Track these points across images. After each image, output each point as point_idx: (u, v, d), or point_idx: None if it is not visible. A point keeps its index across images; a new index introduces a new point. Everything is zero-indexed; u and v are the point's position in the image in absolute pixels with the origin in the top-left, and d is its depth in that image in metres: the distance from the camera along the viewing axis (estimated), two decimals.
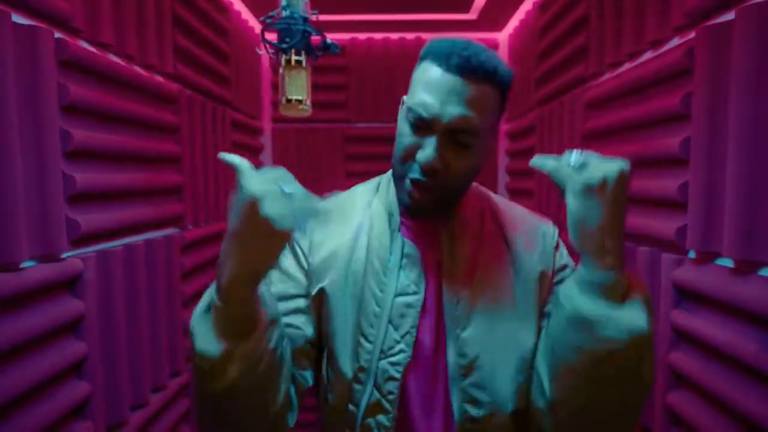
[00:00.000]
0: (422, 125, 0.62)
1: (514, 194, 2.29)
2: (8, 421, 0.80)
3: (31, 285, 0.85)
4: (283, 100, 0.93)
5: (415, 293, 0.69)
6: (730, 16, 0.83)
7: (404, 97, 0.70)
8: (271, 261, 0.52)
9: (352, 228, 0.73)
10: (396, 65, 2.33)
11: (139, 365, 1.20)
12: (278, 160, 2.42)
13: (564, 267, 0.74)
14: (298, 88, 0.91)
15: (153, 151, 1.30)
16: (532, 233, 0.75)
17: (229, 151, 1.96)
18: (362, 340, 0.68)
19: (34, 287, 0.86)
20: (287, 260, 0.72)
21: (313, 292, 0.70)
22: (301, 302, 0.70)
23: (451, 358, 0.67)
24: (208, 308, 0.56)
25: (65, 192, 0.94)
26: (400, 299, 0.68)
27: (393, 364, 0.67)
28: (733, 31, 0.81)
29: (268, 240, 0.49)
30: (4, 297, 0.79)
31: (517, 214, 0.78)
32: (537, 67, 1.88)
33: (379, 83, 2.35)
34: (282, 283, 0.70)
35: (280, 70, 0.93)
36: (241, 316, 0.54)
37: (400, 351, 0.67)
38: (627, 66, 1.21)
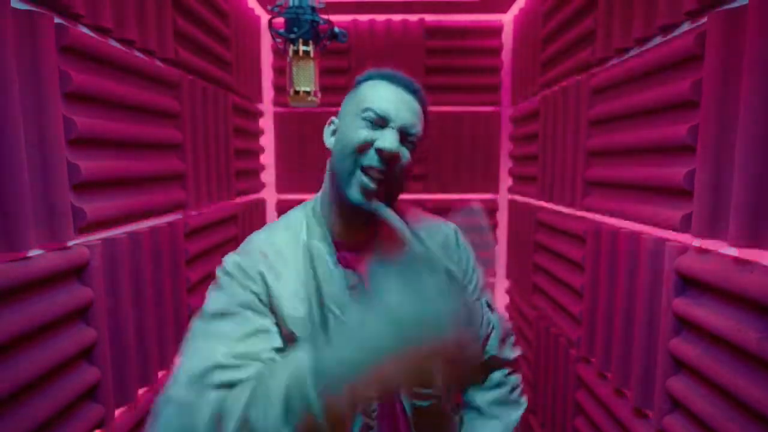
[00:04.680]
0: (381, 122, 0.72)
1: (518, 179, 2.28)
2: (22, 406, 0.82)
3: (39, 273, 0.85)
4: (291, 92, 0.92)
5: None
6: (743, 1, 0.81)
7: (333, 118, 0.80)
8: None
9: (300, 269, 0.76)
10: (399, 47, 2.29)
11: (146, 349, 1.21)
12: (280, 144, 2.41)
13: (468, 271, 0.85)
14: (306, 79, 0.90)
15: (155, 137, 1.29)
16: (437, 235, 0.84)
17: (231, 135, 1.95)
18: None
19: (43, 275, 0.86)
20: (255, 317, 0.70)
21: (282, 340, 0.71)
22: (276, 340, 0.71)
23: None
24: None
25: (70, 180, 0.94)
26: None
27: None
28: (746, 16, 0.79)
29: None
30: (13, 285, 0.80)
31: (424, 219, 0.87)
32: (542, 51, 1.85)
33: (382, 66, 2.31)
34: (256, 337, 0.69)
35: (288, 60, 0.91)
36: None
37: None
38: (635, 51, 1.19)
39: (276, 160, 2.43)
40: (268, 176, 2.44)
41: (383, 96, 0.73)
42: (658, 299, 1.03)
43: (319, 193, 0.83)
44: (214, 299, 0.71)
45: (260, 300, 0.72)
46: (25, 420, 0.81)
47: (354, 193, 0.71)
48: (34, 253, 0.86)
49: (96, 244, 1.01)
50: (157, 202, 1.29)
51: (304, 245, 0.78)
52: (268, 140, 2.42)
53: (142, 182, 1.23)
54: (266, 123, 2.40)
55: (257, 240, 0.80)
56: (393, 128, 0.72)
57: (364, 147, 0.71)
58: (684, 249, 0.97)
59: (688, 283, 0.96)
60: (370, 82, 0.76)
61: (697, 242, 0.95)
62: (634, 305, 1.13)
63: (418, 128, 0.74)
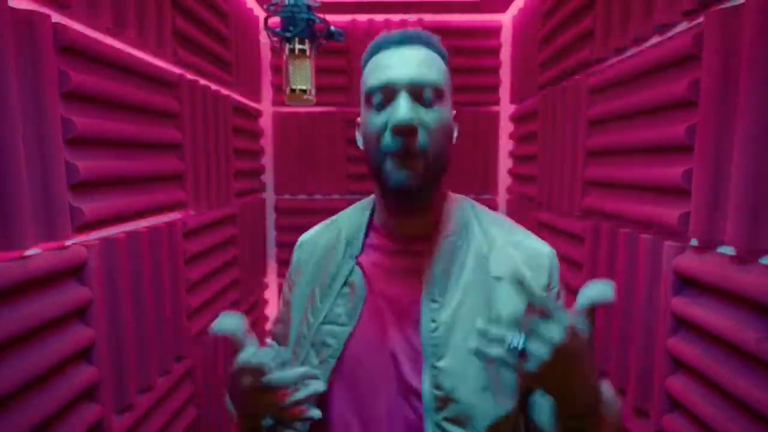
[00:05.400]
0: (386, 94, 0.63)
1: (517, 180, 2.28)
2: (20, 406, 0.82)
3: (36, 273, 0.85)
4: (288, 90, 0.92)
5: (343, 324, 0.68)
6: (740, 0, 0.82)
7: (359, 118, 0.72)
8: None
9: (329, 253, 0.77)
10: None
11: (145, 349, 1.21)
12: (278, 144, 2.41)
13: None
14: (302, 77, 0.90)
15: (154, 137, 1.29)
16: (529, 260, 0.70)
17: (230, 136, 1.95)
18: (294, 359, 0.72)
19: (40, 275, 0.86)
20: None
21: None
22: None
23: (426, 389, 0.63)
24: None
25: (68, 180, 0.94)
26: (326, 327, 0.69)
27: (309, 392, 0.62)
28: (743, 15, 0.79)
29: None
30: (11, 285, 0.80)
31: (512, 234, 0.73)
32: (541, 51, 1.86)
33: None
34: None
35: (284, 58, 0.92)
36: None
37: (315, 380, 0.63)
38: (633, 50, 1.19)
39: (275, 161, 2.43)
40: (267, 176, 2.44)
41: (378, 66, 0.65)
42: (657, 298, 1.03)
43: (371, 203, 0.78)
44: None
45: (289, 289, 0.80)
46: (23, 420, 0.81)
47: (392, 176, 0.63)
48: (31, 252, 0.86)
49: (94, 244, 1.01)
50: (156, 202, 1.29)
51: (342, 238, 0.75)
52: (267, 140, 2.42)
53: (140, 182, 1.23)
54: (266, 123, 2.41)
55: (305, 234, 0.84)
56: (400, 92, 0.62)
57: (380, 134, 0.63)
58: (682, 248, 0.97)
59: (686, 283, 0.96)
60: (370, 62, 0.69)
61: (694, 242, 0.95)
62: (632, 305, 1.13)
63: (432, 76, 0.63)
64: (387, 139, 0.62)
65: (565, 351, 0.50)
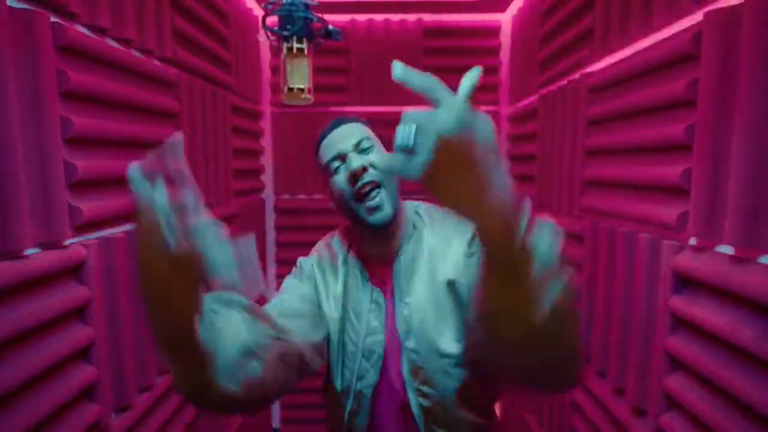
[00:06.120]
0: (339, 160, 0.87)
1: (516, 179, 2.28)
2: (19, 405, 0.82)
3: (35, 272, 0.85)
4: (285, 89, 0.92)
5: (380, 332, 0.90)
6: None
7: (329, 204, 0.95)
8: None
9: (339, 279, 0.95)
10: (397, 47, 2.30)
11: (144, 349, 1.21)
12: (278, 144, 2.41)
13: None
14: (300, 76, 0.91)
15: (153, 137, 1.29)
16: (451, 231, 0.92)
17: (230, 136, 1.95)
18: (345, 369, 0.91)
19: (39, 274, 0.86)
20: (305, 286, 0.95)
21: (323, 330, 0.91)
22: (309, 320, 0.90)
23: (405, 366, 0.88)
24: None
25: (67, 179, 0.94)
26: (370, 339, 0.90)
27: (365, 385, 0.91)
28: (742, 15, 0.79)
29: None
30: (9, 284, 0.80)
31: (438, 219, 0.95)
32: (540, 50, 1.86)
33: (381, 66, 2.32)
34: (300, 302, 0.91)
35: (282, 58, 0.92)
36: None
37: (369, 375, 0.90)
38: (632, 50, 1.19)
39: (274, 161, 2.43)
40: (267, 176, 2.44)
41: (326, 146, 0.90)
42: (655, 298, 1.03)
43: (341, 230, 1.03)
44: (284, 284, 0.97)
45: (313, 288, 0.94)
46: (22, 419, 0.81)
47: (369, 219, 0.85)
48: (30, 252, 0.86)
49: (93, 243, 1.01)
50: None
51: (345, 257, 0.96)
52: (266, 140, 2.42)
53: None
54: (265, 123, 2.41)
55: (318, 245, 1.04)
56: (347, 154, 0.86)
57: (345, 185, 0.86)
58: (680, 248, 0.97)
59: (685, 282, 0.96)
60: (320, 149, 0.92)
61: (693, 241, 0.95)
62: (631, 304, 1.13)
63: (362, 135, 0.88)
64: (349, 189, 0.85)
65: (457, 145, 0.44)
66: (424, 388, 0.87)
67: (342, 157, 0.87)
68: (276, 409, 2.54)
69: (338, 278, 0.94)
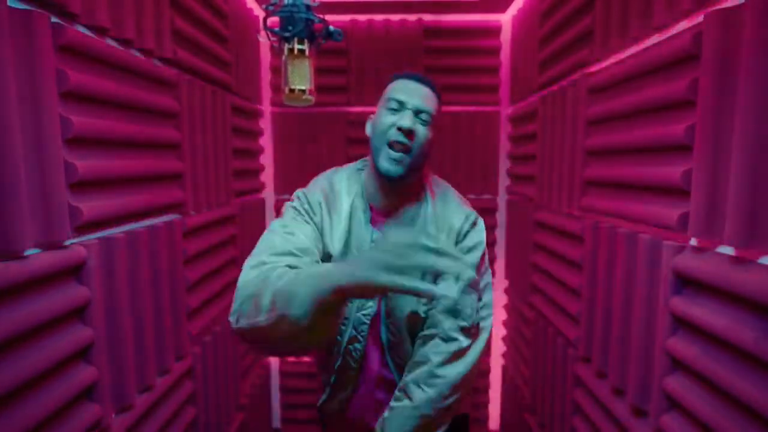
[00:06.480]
0: (398, 107, 0.97)
1: (516, 179, 2.28)
2: (19, 405, 0.81)
3: (35, 272, 0.85)
4: (287, 91, 0.92)
5: None
6: None
7: (371, 114, 1.04)
8: None
9: (344, 217, 1.02)
10: (397, 47, 2.29)
11: (144, 349, 1.21)
12: (278, 144, 2.41)
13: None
14: (301, 77, 0.91)
15: (153, 137, 1.29)
16: (451, 217, 1.05)
17: (230, 136, 1.96)
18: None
19: (39, 275, 0.86)
20: (307, 227, 1.00)
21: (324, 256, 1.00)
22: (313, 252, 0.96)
23: (383, 308, 1.03)
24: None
25: (67, 179, 0.94)
26: None
27: (364, 315, 1.03)
28: (743, 15, 0.79)
29: None
30: (9, 285, 0.80)
31: (449, 201, 1.08)
32: (540, 51, 1.86)
33: (381, 66, 2.31)
34: (305, 237, 0.96)
35: (283, 59, 0.91)
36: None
37: (369, 307, 1.03)
38: (632, 50, 1.19)
39: (274, 161, 2.43)
40: (267, 176, 2.44)
41: (399, 88, 0.99)
42: (656, 298, 1.03)
43: (364, 168, 1.08)
44: (279, 220, 1.01)
45: (316, 228, 1.01)
46: (22, 419, 0.81)
47: (383, 163, 0.96)
48: (30, 252, 0.86)
49: (93, 244, 1.01)
50: (155, 201, 1.29)
51: (352, 197, 1.04)
52: (266, 141, 2.42)
53: (139, 182, 1.23)
54: (265, 123, 2.40)
55: (322, 179, 1.10)
56: (408, 110, 0.96)
57: (388, 128, 0.96)
58: (681, 248, 0.97)
59: (685, 283, 0.96)
60: (392, 84, 1.02)
61: (694, 241, 0.95)
62: (631, 304, 1.13)
63: (428, 107, 0.97)
64: (393, 132, 0.95)
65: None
66: (392, 327, 1.03)
67: (401, 106, 0.96)
68: (276, 409, 2.54)
69: (342, 217, 1.02)
